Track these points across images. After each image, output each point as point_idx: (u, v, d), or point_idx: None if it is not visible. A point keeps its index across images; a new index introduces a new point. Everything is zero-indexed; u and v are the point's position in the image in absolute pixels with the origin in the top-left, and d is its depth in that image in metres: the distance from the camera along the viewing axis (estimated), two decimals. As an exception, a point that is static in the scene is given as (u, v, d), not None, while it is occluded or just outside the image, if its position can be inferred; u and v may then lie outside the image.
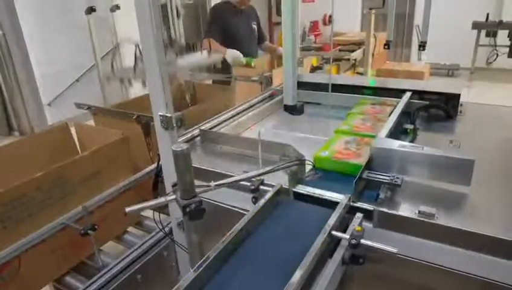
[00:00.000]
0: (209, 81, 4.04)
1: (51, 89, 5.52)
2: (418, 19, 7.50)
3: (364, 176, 1.26)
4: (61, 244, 1.78)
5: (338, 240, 1.05)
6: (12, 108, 5.34)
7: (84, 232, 1.70)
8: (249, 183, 1.30)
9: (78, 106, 3.03)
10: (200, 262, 0.95)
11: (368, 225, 1.17)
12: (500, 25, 6.79)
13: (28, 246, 1.65)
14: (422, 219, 1.10)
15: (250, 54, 3.64)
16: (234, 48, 3.52)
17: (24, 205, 1.74)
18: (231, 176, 1.24)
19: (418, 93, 2.01)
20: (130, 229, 2.27)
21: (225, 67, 3.45)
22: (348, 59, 5.17)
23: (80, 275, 1.90)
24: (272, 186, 1.29)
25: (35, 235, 1.68)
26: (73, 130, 2.68)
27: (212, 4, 7.64)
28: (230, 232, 1.05)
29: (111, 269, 1.60)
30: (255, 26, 3.86)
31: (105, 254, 1.96)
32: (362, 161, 1.32)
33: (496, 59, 7.40)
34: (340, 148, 1.47)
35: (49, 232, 1.72)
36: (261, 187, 1.30)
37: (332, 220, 1.08)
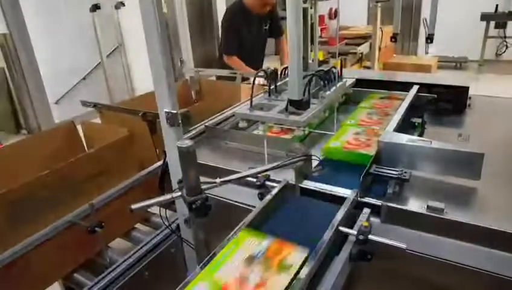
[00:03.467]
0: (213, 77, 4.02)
1: (57, 87, 5.55)
2: (425, 12, 7.42)
3: (372, 170, 1.25)
4: (69, 241, 1.79)
5: (345, 236, 1.04)
6: (19, 107, 5.38)
7: (91, 229, 1.71)
8: (255, 180, 1.29)
9: (84, 103, 3.04)
10: (206, 258, 0.94)
11: (375, 220, 1.16)
12: (510, 16, 6.69)
13: (36, 244, 1.65)
14: (431, 213, 1.09)
15: (256, 62, 3.53)
16: (240, 58, 3.42)
17: (31, 203, 1.75)
18: (237, 172, 1.23)
19: (426, 87, 1.99)
20: (138, 225, 2.28)
21: None
22: (355, 53, 5.13)
23: (88, 272, 1.91)
24: (278, 182, 1.28)
25: (43, 233, 1.68)
26: (79, 128, 2.69)
27: (217, 2, 7.64)
28: (236, 228, 1.05)
29: (119, 265, 1.61)
30: (266, 28, 3.59)
31: (113, 251, 1.96)
32: (371, 150, 1.35)
33: (505, 51, 7.30)
34: (350, 138, 1.51)
35: (57, 230, 1.73)
36: (267, 183, 1.29)
37: (339, 215, 1.07)
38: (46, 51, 5.23)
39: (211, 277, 0.88)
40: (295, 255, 0.92)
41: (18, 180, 1.73)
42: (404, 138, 1.33)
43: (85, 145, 2.66)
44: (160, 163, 1.85)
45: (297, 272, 0.87)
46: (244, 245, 0.97)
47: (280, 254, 0.93)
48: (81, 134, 2.69)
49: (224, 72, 3.51)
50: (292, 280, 0.85)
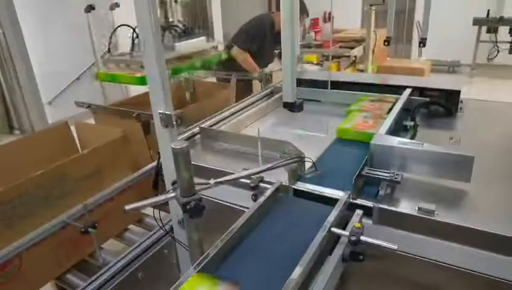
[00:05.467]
0: (210, 79, 4.03)
1: (51, 87, 5.51)
2: (419, 15, 7.47)
3: (364, 172, 1.26)
4: (62, 242, 1.79)
5: (338, 237, 1.05)
6: (12, 107, 5.34)
7: (84, 230, 1.71)
8: (248, 181, 1.30)
9: (78, 104, 3.03)
10: (199, 259, 0.95)
11: (367, 221, 1.17)
12: (501, 21, 6.76)
13: (29, 244, 1.65)
14: (422, 215, 1.11)
15: None
16: None
17: (25, 204, 1.75)
18: (231, 174, 1.24)
19: (418, 90, 2.01)
20: (131, 227, 2.28)
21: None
22: (349, 56, 5.15)
23: (81, 273, 1.90)
24: (272, 183, 1.29)
25: (37, 234, 1.68)
26: (73, 129, 2.69)
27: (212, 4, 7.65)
28: (230, 229, 1.05)
29: (112, 266, 1.60)
30: (277, 51, 3.86)
31: (106, 252, 1.96)
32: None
33: (496, 55, 7.37)
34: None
35: (50, 230, 1.72)
36: (261, 184, 1.30)
37: (332, 216, 1.08)
38: (39, 51, 5.20)
39: None
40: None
41: (11, 180, 1.72)
42: (395, 141, 1.35)
43: (79, 146, 2.65)
44: (154, 164, 1.86)
45: None
46: None
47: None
48: (75, 135, 2.68)
49: (220, 74, 3.54)
50: None
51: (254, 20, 3.77)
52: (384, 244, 0.99)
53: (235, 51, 3.60)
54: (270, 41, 3.72)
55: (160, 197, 1.13)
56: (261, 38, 3.64)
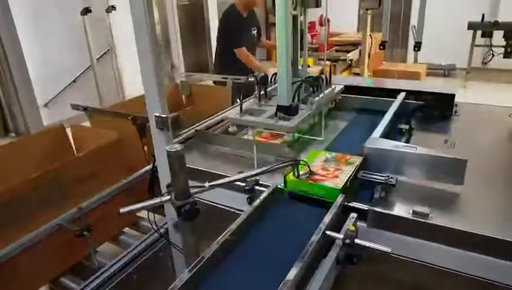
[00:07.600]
0: (209, 82, 4.04)
1: (46, 90, 5.50)
2: (414, 19, 7.52)
3: (359, 176, 1.27)
4: (57, 245, 1.77)
5: (332, 240, 1.06)
6: (8, 109, 5.32)
7: (79, 233, 1.70)
8: (244, 184, 1.30)
9: (74, 107, 3.03)
10: (194, 262, 0.95)
11: (362, 224, 1.17)
12: (496, 25, 6.80)
13: (24, 247, 1.64)
14: (416, 218, 1.11)
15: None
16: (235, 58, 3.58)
17: (20, 206, 1.74)
18: (226, 177, 1.24)
19: (413, 94, 2.02)
20: (127, 229, 2.27)
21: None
22: (345, 60, 5.18)
23: (76, 276, 1.89)
24: (267, 186, 1.29)
25: (31, 236, 1.67)
26: (69, 131, 2.68)
27: (209, 7, 7.68)
28: (225, 232, 1.06)
29: (107, 269, 1.60)
30: (254, 32, 3.88)
31: (101, 255, 1.95)
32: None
33: (491, 59, 7.42)
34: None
35: (45, 233, 1.71)
36: (256, 187, 1.31)
37: (326, 219, 1.09)
38: (35, 53, 5.18)
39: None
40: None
41: (7, 182, 1.71)
42: (390, 144, 1.36)
43: (74, 148, 2.65)
44: (149, 167, 1.85)
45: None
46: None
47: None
48: (71, 137, 2.67)
49: (216, 77, 3.54)
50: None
51: (223, 19, 3.80)
52: (378, 247, 0.99)
53: (237, 53, 3.61)
54: (244, 30, 3.72)
55: (155, 200, 1.13)
56: (238, 29, 3.64)
